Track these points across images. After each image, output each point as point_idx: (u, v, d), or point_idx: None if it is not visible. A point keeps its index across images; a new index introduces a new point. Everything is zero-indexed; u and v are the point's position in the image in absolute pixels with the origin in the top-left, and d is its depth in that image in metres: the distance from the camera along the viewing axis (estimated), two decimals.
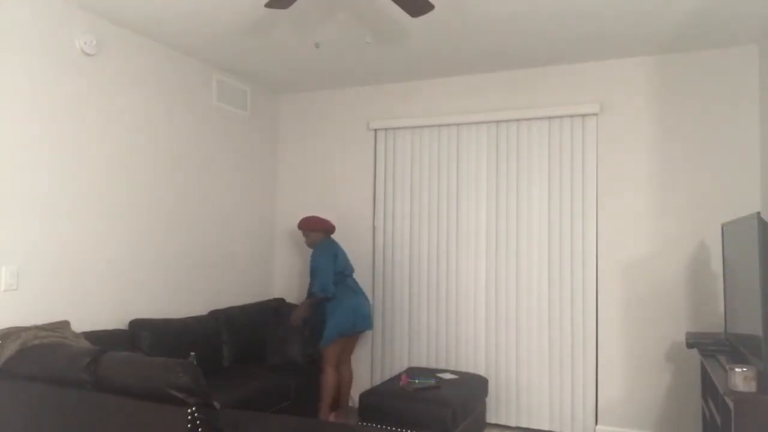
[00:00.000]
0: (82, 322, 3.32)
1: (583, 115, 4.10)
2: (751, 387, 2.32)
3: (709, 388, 3.13)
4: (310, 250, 4.90)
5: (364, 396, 3.48)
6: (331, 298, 4.00)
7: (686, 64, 3.86)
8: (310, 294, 4.07)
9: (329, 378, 3.99)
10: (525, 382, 4.15)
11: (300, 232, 4.90)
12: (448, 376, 3.92)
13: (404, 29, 3.59)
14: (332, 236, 4.59)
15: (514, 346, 4.20)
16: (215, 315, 4.10)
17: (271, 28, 3.60)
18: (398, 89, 4.69)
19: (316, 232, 4.22)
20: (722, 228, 3.31)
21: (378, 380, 4.62)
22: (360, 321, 4.06)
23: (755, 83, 3.69)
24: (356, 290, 4.17)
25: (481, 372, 4.28)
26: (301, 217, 4.95)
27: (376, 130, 4.75)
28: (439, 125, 4.50)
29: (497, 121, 4.32)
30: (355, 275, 4.54)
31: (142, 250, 3.74)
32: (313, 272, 4.03)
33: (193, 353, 3.32)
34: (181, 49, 3.99)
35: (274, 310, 4.54)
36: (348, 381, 4.22)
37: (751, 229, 2.50)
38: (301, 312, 4.17)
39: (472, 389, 3.72)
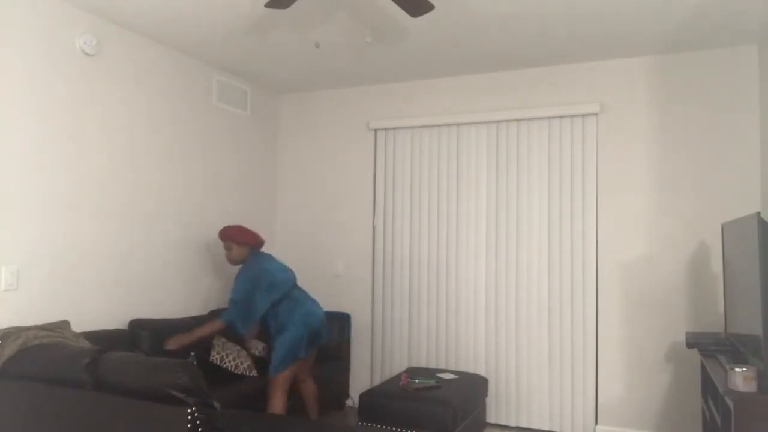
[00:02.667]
0: (82, 322, 3.32)
1: (583, 115, 4.10)
2: (751, 387, 2.32)
3: (709, 388, 3.13)
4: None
5: (364, 396, 3.47)
6: (239, 331, 3.48)
7: (686, 64, 3.86)
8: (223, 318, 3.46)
9: (278, 406, 3.37)
10: (525, 382, 4.15)
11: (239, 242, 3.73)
12: (448, 376, 3.92)
13: (404, 29, 3.59)
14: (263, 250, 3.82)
15: (514, 346, 4.20)
16: (215, 315, 4.10)
17: (271, 29, 3.60)
18: (398, 89, 4.69)
19: (242, 246, 3.62)
20: (722, 228, 3.31)
21: (378, 380, 4.62)
22: (318, 335, 3.51)
23: (755, 83, 3.69)
24: (304, 301, 3.54)
25: (481, 372, 4.28)
26: (228, 225, 4.02)
27: (376, 130, 4.75)
28: (439, 125, 4.50)
29: (497, 121, 4.32)
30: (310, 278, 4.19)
31: (142, 250, 3.74)
32: (234, 296, 3.45)
33: (193, 353, 3.32)
34: (181, 49, 3.99)
35: None
36: (312, 396, 3.69)
37: (751, 229, 2.50)
38: (184, 338, 3.42)
39: (472, 389, 3.72)
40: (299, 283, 4.95)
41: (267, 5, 2.69)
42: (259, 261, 3.56)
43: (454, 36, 3.67)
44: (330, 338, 3.60)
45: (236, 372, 3.71)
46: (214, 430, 2.29)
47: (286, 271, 3.61)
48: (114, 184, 3.55)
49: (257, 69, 4.41)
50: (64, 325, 3.04)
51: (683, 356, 3.79)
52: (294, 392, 3.70)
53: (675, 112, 3.88)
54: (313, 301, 3.59)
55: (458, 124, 4.44)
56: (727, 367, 2.43)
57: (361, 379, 4.69)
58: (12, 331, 2.75)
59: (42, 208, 3.12)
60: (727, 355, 3.00)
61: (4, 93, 2.94)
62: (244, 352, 3.81)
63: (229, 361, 3.69)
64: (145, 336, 3.42)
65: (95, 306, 3.41)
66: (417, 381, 3.62)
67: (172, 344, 3.41)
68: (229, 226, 3.69)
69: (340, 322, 4.49)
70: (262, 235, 4.91)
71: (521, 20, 3.41)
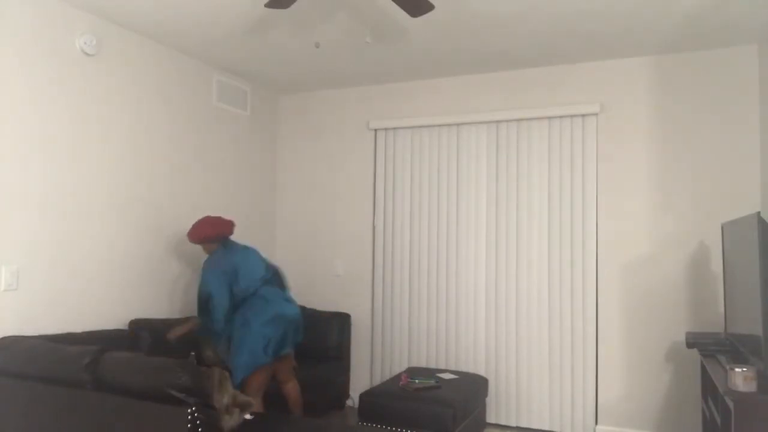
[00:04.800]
0: (82, 322, 3.32)
1: (583, 115, 4.10)
2: (751, 387, 2.32)
3: (709, 388, 3.13)
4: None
5: (364, 396, 3.47)
6: (220, 334, 3.24)
7: (686, 64, 3.86)
8: (202, 323, 3.29)
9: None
10: (525, 382, 4.15)
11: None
12: (448, 376, 3.92)
13: (404, 29, 3.59)
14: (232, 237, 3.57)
15: (514, 346, 4.20)
16: None
17: (271, 29, 3.60)
18: (398, 89, 4.69)
19: (210, 242, 3.39)
20: (722, 228, 3.31)
21: (378, 380, 4.62)
22: (285, 337, 3.22)
23: (755, 83, 3.69)
24: (274, 299, 3.26)
25: (481, 372, 4.28)
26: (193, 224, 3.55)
27: (376, 130, 4.75)
28: (439, 125, 4.50)
29: (497, 121, 4.32)
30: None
31: (142, 249, 3.74)
32: (210, 301, 3.19)
33: (193, 353, 3.32)
34: (181, 49, 3.99)
35: None
36: (294, 398, 3.44)
37: (751, 229, 2.50)
38: (180, 330, 3.35)
39: (472, 389, 3.72)
40: (302, 281, 4.95)
41: (267, 5, 2.69)
42: (226, 256, 3.30)
43: (454, 36, 3.67)
44: (330, 339, 3.52)
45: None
46: (214, 430, 2.29)
47: (257, 266, 3.34)
48: (114, 184, 3.54)
49: (257, 69, 4.41)
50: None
51: (683, 356, 3.79)
52: (278, 394, 3.50)
53: (675, 111, 3.88)
54: (285, 300, 3.32)
55: (458, 124, 4.44)
56: (727, 367, 2.43)
57: (361, 379, 4.69)
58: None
59: (42, 208, 3.12)
60: (727, 355, 3.00)
61: (3, 93, 2.94)
62: None
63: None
64: (145, 336, 3.42)
65: (95, 306, 3.41)
66: (417, 381, 3.62)
67: (171, 336, 3.35)
68: (193, 226, 3.42)
69: (340, 322, 4.49)
70: (262, 235, 4.91)
71: (521, 20, 3.41)
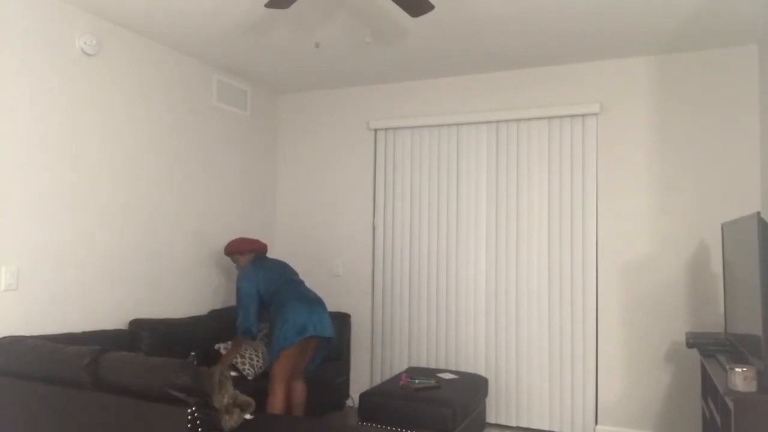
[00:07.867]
0: (82, 322, 3.32)
1: (583, 115, 4.10)
2: (751, 387, 2.32)
3: (709, 388, 3.13)
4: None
5: (364, 396, 3.47)
6: (255, 336, 3.59)
7: (686, 64, 3.87)
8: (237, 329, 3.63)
9: (278, 400, 3.36)
10: (525, 382, 4.15)
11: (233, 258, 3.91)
12: (448, 376, 3.92)
13: (404, 29, 3.59)
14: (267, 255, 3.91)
15: (514, 346, 4.20)
16: (215, 315, 4.10)
17: (271, 28, 3.60)
18: (398, 89, 4.69)
19: (244, 255, 3.77)
20: (722, 228, 3.31)
21: (378, 380, 4.62)
22: (310, 326, 3.39)
23: (755, 83, 3.69)
24: (297, 297, 3.49)
25: (481, 372, 4.28)
26: (230, 241, 4.17)
27: (376, 130, 4.75)
28: (439, 125, 4.50)
29: (497, 121, 4.32)
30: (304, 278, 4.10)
31: (142, 249, 3.74)
32: (239, 304, 3.57)
33: (193, 353, 3.32)
34: (181, 49, 3.99)
35: None
36: (300, 398, 3.59)
37: (751, 229, 2.50)
38: (227, 359, 3.65)
39: (472, 389, 3.72)
40: None
41: (267, 5, 2.69)
42: (253, 267, 3.61)
43: (454, 36, 3.67)
44: (332, 338, 3.54)
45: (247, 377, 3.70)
46: (214, 430, 2.29)
47: (280, 271, 3.65)
48: (114, 184, 3.54)
49: (257, 69, 4.41)
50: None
51: (683, 356, 3.79)
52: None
53: (675, 111, 3.88)
54: (303, 309, 3.42)
55: (458, 124, 4.44)
56: (727, 367, 2.43)
57: (361, 379, 4.69)
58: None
59: (42, 208, 3.12)
60: (727, 355, 3.00)
61: (4, 93, 2.94)
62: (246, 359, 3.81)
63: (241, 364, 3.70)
64: (145, 336, 3.43)
65: (95, 306, 3.41)
66: (417, 381, 3.62)
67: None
68: (230, 242, 3.85)
69: (340, 322, 4.49)
70: (262, 235, 4.91)
71: (521, 20, 3.41)
